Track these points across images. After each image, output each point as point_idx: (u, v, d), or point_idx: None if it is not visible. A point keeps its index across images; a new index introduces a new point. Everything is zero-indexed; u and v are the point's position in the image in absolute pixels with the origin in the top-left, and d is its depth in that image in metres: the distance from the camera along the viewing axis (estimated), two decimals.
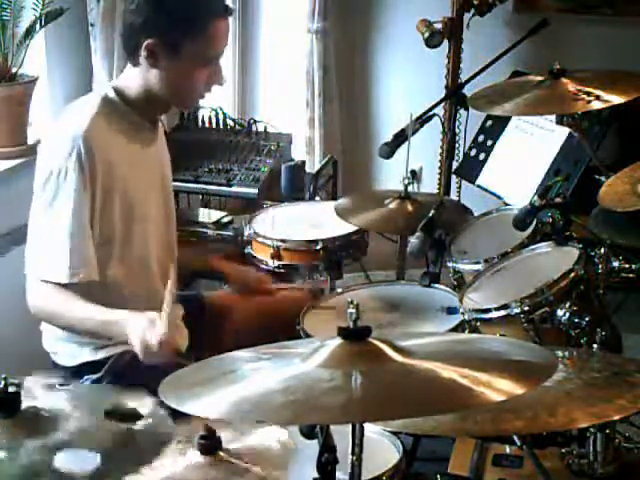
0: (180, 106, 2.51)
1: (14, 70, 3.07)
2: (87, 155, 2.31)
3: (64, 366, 2.50)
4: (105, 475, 1.39)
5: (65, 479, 1.37)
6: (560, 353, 1.94)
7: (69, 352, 2.49)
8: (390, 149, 3.34)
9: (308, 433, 1.62)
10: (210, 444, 1.77)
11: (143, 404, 1.61)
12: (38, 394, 1.60)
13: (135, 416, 1.55)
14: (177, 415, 1.55)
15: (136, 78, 2.43)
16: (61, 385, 1.69)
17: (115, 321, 2.26)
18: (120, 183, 2.40)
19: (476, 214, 2.97)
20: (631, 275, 2.49)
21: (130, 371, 2.41)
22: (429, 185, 4.36)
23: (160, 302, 2.29)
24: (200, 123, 3.89)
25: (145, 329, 2.18)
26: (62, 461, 1.41)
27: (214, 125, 3.89)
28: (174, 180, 2.75)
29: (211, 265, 2.90)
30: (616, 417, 1.71)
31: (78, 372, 2.47)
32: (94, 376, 2.45)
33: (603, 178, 2.63)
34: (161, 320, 2.18)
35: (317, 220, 3.11)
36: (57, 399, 1.62)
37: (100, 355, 2.46)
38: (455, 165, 3.96)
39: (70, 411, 1.56)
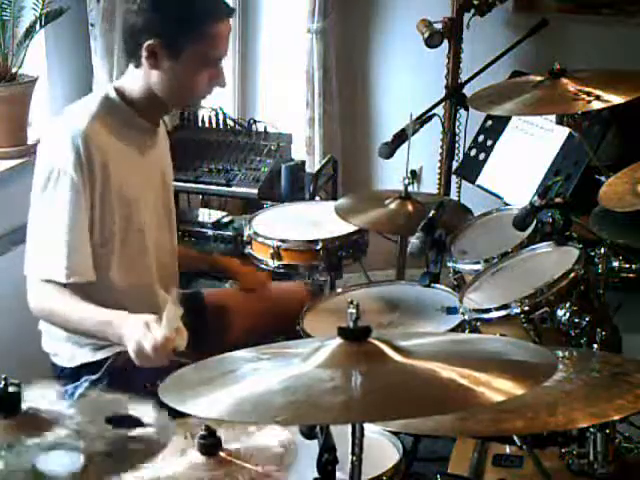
0: (179, 107, 2.52)
1: (14, 70, 3.07)
2: (86, 155, 2.31)
3: (63, 367, 2.50)
4: (90, 476, 1.40)
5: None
6: (560, 353, 1.94)
7: (68, 353, 2.49)
8: (390, 149, 3.34)
9: (308, 433, 1.63)
10: (210, 444, 1.77)
11: (144, 410, 1.61)
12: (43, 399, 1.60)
13: (136, 422, 1.55)
14: (177, 415, 1.55)
15: (138, 79, 2.43)
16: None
17: (110, 321, 2.25)
18: (118, 184, 2.39)
19: (476, 214, 2.97)
20: (631, 275, 2.49)
21: (129, 371, 2.41)
22: (429, 185, 4.35)
23: (158, 303, 2.29)
24: (200, 123, 3.89)
25: (140, 334, 2.16)
26: (44, 462, 1.40)
27: (214, 125, 3.89)
28: (174, 180, 2.75)
29: (214, 262, 2.92)
30: (616, 417, 1.71)
31: (77, 373, 2.47)
32: (93, 377, 2.45)
33: (603, 178, 2.63)
34: (158, 324, 2.16)
35: (317, 220, 3.11)
36: (59, 403, 1.62)
37: (99, 356, 2.46)
38: (455, 165, 3.96)
39: (70, 415, 1.56)
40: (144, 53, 2.36)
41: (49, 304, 2.34)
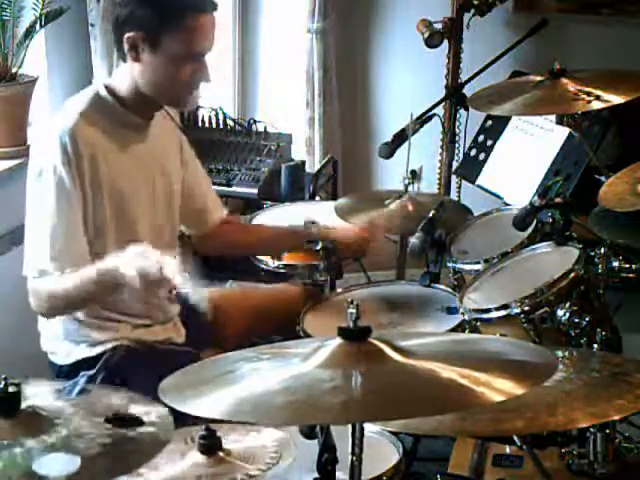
0: (167, 103, 2.49)
1: (14, 70, 3.07)
2: (73, 151, 2.32)
3: (61, 364, 2.51)
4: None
5: None
6: (560, 353, 1.94)
7: (65, 350, 2.49)
8: (390, 149, 3.35)
9: (308, 433, 1.62)
10: (210, 444, 1.77)
11: (144, 409, 1.61)
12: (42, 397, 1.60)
13: (136, 422, 1.55)
14: (177, 415, 1.55)
15: (125, 75, 2.43)
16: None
17: (111, 268, 2.24)
18: (107, 177, 2.40)
19: (476, 214, 2.97)
20: (631, 275, 2.49)
21: (125, 366, 2.42)
22: (429, 185, 4.35)
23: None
24: (200, 123, 3.89)
25: (139, 259, 2.18)
26: (42, 465, 1.40)
27: (214, 125, 3.89)
28: None
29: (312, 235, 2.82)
30: (616, 417, 1.71)
31: (74, 369, 2.48)
32: (90, 372, 2.45)
33: (603, 178, 2.63)
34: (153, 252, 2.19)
35: (317, 220, 3.10)
36: (58, 402, 1.62)
37: (95, 351, 2.46)
38: (455, 165, 3.96)
39: (70, 414, 1.56)
40: (125, 46, 2.36)
41: (46, 290, 2.33)
